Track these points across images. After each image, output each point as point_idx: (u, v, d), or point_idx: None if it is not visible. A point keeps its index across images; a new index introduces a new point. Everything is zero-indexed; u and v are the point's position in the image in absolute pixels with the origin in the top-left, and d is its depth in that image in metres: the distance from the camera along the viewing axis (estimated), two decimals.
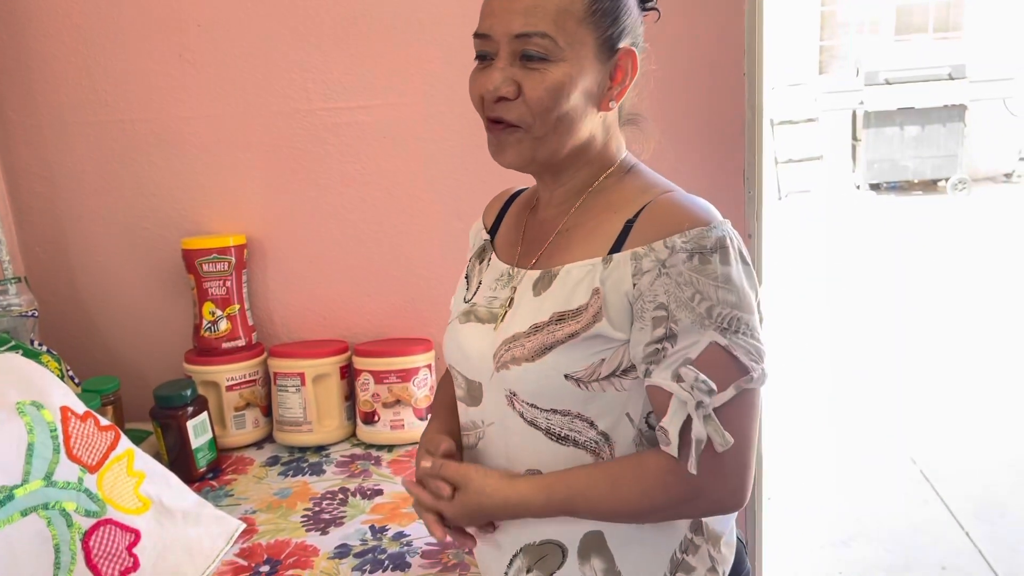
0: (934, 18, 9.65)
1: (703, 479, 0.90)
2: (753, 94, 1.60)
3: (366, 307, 1.76)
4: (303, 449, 1.66)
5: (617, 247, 0.94)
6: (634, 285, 0.91)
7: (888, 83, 8.62)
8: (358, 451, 1.65)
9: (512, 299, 1.02)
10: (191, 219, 1.74)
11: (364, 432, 1.66)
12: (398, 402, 1.62)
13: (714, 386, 0.88)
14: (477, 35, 0.96)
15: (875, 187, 9.11)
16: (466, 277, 1.14)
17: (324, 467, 1.58)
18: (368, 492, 1.47)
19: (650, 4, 1.02)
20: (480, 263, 1.13)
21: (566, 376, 0.94)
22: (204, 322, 1.68)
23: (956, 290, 5.50)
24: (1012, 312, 4.98)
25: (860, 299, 5.41)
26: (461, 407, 1.09)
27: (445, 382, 1.22)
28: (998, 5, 9.25)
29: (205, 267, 1.66)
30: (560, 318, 0.94)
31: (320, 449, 1.66)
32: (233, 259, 1.68)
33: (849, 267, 6.18)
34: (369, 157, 1.69)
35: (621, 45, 0.96)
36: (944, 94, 8.52)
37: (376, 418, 1.63)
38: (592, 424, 0.96)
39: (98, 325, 1.80)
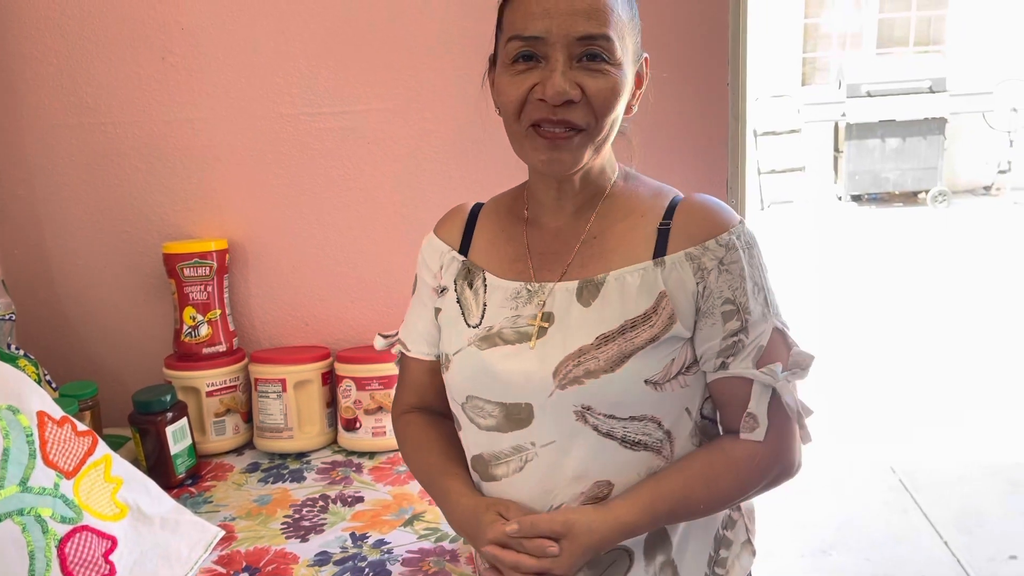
0: (915, 32, 9.77)
1: (792, 452, 0.98)
2: (737, 105, 1.61)
3: (348, 313, 1.76)
4: (283, 456, 1.65)
5: (661, 250, 0.97)
6: (697, 284, 0.95)
7: (870, 96, 8.71)
8: (339, 458, 1.64)
9: (548, 314, 0.99)
10: (172, 223, 1.72)
11: (345, 439, 1.65)
12: (380, 409, 1.61)
13: (812, 358, 0.97)
14: (522, 37, 0.92)
15: (857, 198, 9.19)
16: (458, 302, 1.07)
17: (305, 474, 1.57)
18: (349, 499, 1.46)
19: None
20: (470, 286, 1.07)
21: (646, 381, 0.95)
22: (185, 327, 1.66)
23: (936, 301, 5.55)
24: (992, 323, 5.03)
25: (840, 309, 5.44)
26: (490, 436, 1.02)
27: (419, 429, 1.15)
28: (978, 20, 9.37)
29: (186, 272, 1.65)
30: (632, 325, 0.95)
31: (301, 456, 1.65)
32: (215, 264, 1.67)
33: (830, 277, 6.22)
34: (353, 163, 1.69)
35: (643, 53, 1.01)
36: (925, 107, 8.63)
37: (358, 425, 1.62)
38: (660, 424, 0.98)
39: (77, 329, 1.78)
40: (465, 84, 1.62)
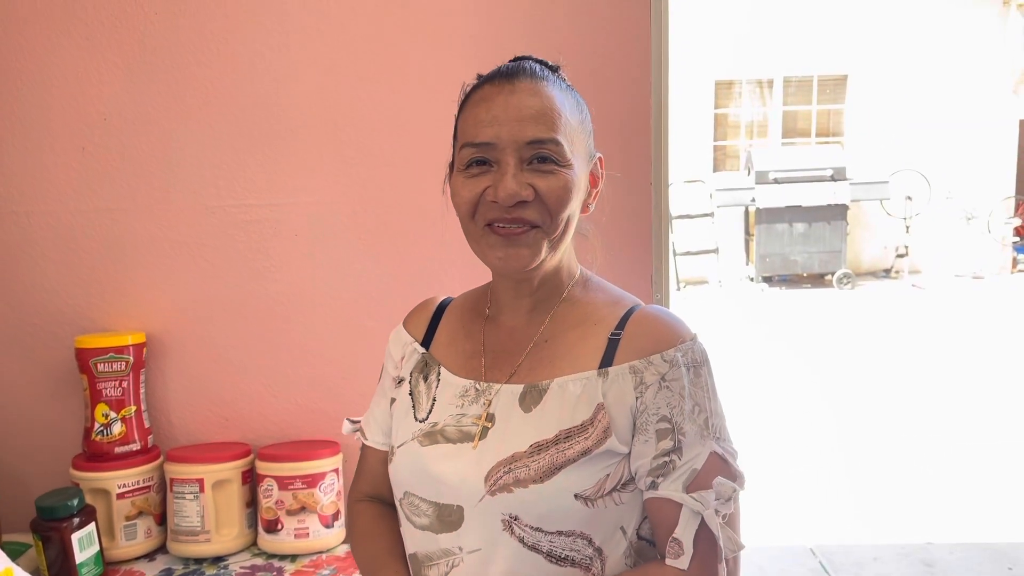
0: (817, 124, 10.38)
1: None
2: (659, 200, 1.67)
3: (271, 408, 1.70)
4: (199, 560, 1.56)
5: (608, 360, 0.96)
6: (637, 399, 0.94)
7: (777, 182, 9.16)
8: (259, 561, 1.56)
9: (491, 415, 0.98)
10: (87, 315, 1.66)
11: (266, 541, 1.58)
12: (303, 509, 1.56)
13: (737, 493, 0.92)
14: (473, 144, 0.96)
15: (767, 279, 9.55)
16: (410, 394, 1.07)
17: None
18: None
19: None
20: (425, 380, 1.07)
21: (576, 496, 0.92)
22: (96, 425, 1.58)
23: (844, 380, 5.74)
24: (899, 402, 5.22)
25: (754, 389, 5.57)
26: (424, 536, 1.00)
27: (369, 519, 1.13)
28: (873, 114, 10.03)
29: (100, 367, 1.57)
30: (567, 435, 0.93)
31: (218, 560, 1.57)
32: (131, 358, 1.60)
33: (745, 355, 6.38)
34: (278, 255, 1.66)
35: (596, 153, 1.03)
36: (828, 194, 9.12)
37: (279, 526, 1.56)
38: (590, 541, 0.94)
39: None
40: (394, 178, 1.64)
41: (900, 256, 9.82)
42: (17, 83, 1.60)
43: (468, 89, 1.02)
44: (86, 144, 1.62)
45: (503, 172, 0.94)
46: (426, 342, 1.12)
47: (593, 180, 1.03)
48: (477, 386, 1.02)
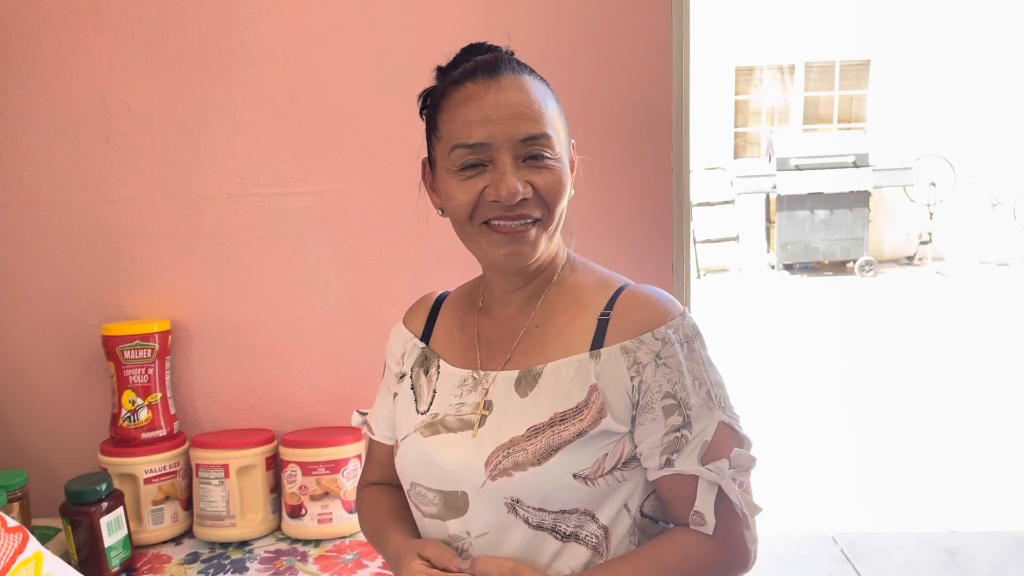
0: (839, 110, 10.26)
1: (742, 548, 0.96)
2: (680, 187, 1.66)
3: (294, 394, 1.72)
4: (225, 545, 1.59)
5: (599, 342, 0.97)
6: (632, 379, 0.95)
7: (799, 169, 9.07)
8: (283, 546, 1.58)
9: (488, 403, 1.00)
10: (113, 303, 1.68)
11: (290, 526, 1.60)
12: (326, 494, 1.57)
13: (754, 463, 0.95)
14: (467, 145, 0.95)
15: (789, 267, 9.47)
16: (412, 388, 1.10)
17: (247, 564, 1.51)
18: None
19: None
20: (425, 373, 1.10)
21: (574, 476, 0.94)
22: (123, 411, 1.61)
23: (867, 369, 5.70)
24: (923, 391, 5.18)
25: (775, 377, 5.54)
26: (432, 524, 1.03)
27: (376, 495, 1.16)
28: (896, 100, 9.90)
29: (127, 354, 1.60)
30: (562, 418, 0.95)
31: (243, 544, 1.59)
32: (157, 345, 1.62)
33: (767, 344, 6.35)
34: (300, 242, 1.67)
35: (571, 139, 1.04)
36: (850, 180, 9.01)
37: (303, 511, 1.58)
38: (594, 518, 0.96)
39: (6, 415, 1.71)
40: (416, 166, 1.63)
41: (924, 243, 9.71)
42: (42, 73, 1.62)
43: (441, 86, 1.01)
44: (111, 133, 1.63)
45: (502, 171, 0.94)
46: (425, 336, 1.14)
47: (571, 165, 1.04)
48: (475, 375, 1.04)
